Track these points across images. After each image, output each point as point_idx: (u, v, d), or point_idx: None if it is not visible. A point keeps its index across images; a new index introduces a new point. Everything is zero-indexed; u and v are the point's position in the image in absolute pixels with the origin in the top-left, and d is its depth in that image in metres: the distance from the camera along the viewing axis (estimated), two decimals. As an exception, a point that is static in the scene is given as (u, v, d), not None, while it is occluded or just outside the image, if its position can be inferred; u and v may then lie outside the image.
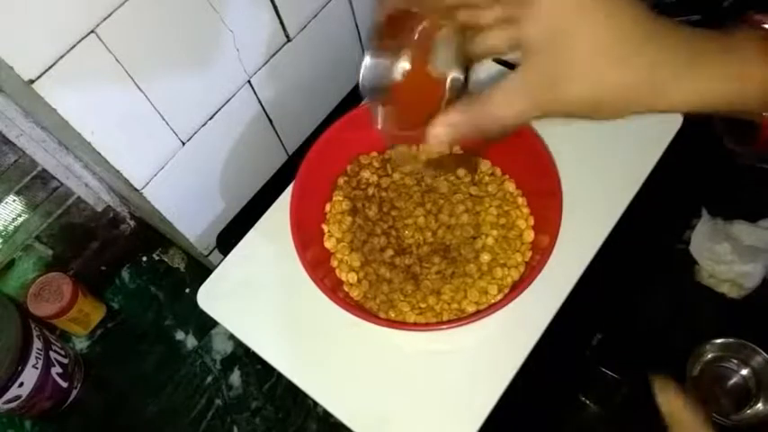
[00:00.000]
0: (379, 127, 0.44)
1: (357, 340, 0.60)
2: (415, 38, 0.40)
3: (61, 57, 0.52)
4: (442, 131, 0.35)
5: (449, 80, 0.39)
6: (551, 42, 0.31)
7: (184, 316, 1.03)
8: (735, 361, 0.71)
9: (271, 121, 0.80)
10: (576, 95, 0.32)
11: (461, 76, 0.39)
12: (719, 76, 0.32)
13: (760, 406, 0.68)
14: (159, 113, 0.64)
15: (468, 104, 0.35)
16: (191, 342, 1.01)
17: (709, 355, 0.72)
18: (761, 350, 0.69)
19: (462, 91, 0.39)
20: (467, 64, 0.39)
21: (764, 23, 0.34)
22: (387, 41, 0.40)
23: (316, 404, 0.65)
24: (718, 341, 0.71)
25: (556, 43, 0.31)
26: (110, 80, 0.57)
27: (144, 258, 1.10)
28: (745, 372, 0.71)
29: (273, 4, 0.68)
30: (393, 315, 0.59)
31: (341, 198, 0.66)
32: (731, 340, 0.71)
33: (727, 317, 0.74)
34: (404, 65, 0.40)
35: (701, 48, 0.32)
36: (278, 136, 0.83)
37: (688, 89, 0.31)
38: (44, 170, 0.90)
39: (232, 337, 0.77)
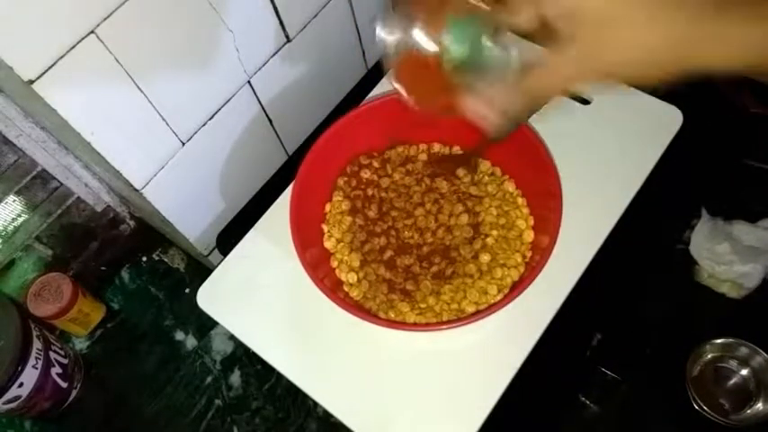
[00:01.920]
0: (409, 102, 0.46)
1: (357, 340, 0.60)
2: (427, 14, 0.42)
3: (61, 57, 0.52)
4: (498, 111, 0.39)
5: (457, 57, 0.41)
6: (598, 12, 0.34)
7: (184, 316, 1.03)
8: (735, 361, 0.71)
9: (271, 121, 0.80)
10: (626, 57, 0.34)
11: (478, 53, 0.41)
12: (756, 28, 0.33)
13: (760, 406, 0.68)
14: (159, 113, 0.64)
15: (512, 83, 0.38)
16: (191, 342, 1.01)
17: (709, 355, 0.72)
18: (761, 350, 0.69)
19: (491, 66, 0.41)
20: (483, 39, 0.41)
21: None
22: (400, 14, 0.43)
23: (316, 404, 0.65)
24: (718, 341, 0.71)
25: (603, 13, 0.34)
26: (110, 80, 0.57)
27: (144, 258, 1.10)
28: (745, 372, 0.71)
29: (273, 5, 0.68)
30: (393, 315, 0.59)
31: (341, 198, 0.66)
32: (731, 340, 0.71)
33: (727, 317, 0.74)
34: (417, 39, 0.42)
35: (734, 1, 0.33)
36: (278, 136, 0.83)
37: (731, 41, 0.33)
38: (44, 170, 0.90)
39: (232, 337, 0.77)
